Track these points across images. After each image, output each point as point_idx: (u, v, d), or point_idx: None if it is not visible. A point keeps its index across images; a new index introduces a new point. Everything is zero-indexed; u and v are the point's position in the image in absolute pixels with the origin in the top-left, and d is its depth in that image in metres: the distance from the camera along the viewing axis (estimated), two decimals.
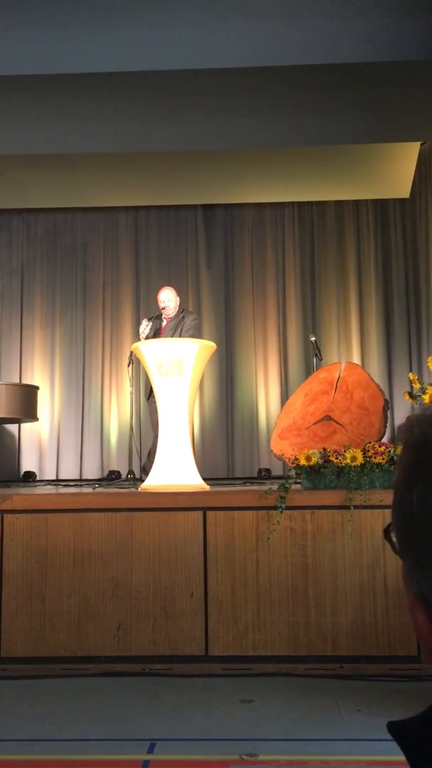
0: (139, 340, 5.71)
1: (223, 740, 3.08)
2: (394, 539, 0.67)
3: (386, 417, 5.09)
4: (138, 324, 6.29)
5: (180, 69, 5.44)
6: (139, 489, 4.86)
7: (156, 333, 5.70)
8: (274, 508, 4.10)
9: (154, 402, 5.23)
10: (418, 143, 7.24)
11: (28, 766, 2.88)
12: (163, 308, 5.70)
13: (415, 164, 7.47)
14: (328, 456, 4.26)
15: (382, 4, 5.23)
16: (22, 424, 7.74)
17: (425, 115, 6.07)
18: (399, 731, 0.65)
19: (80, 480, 7.64)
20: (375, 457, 4.18)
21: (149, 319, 5.81)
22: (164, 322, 5.74)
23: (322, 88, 5.78)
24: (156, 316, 5.85)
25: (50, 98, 5.84)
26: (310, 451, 4.31)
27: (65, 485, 7.05)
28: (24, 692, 3.80)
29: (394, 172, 7.45)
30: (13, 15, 5.38)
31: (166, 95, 5.84)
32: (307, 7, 5.29)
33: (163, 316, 5.76)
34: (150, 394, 5.55)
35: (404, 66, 5.47)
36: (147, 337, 5.58)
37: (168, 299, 5.73)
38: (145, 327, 5.61)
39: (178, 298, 5.84)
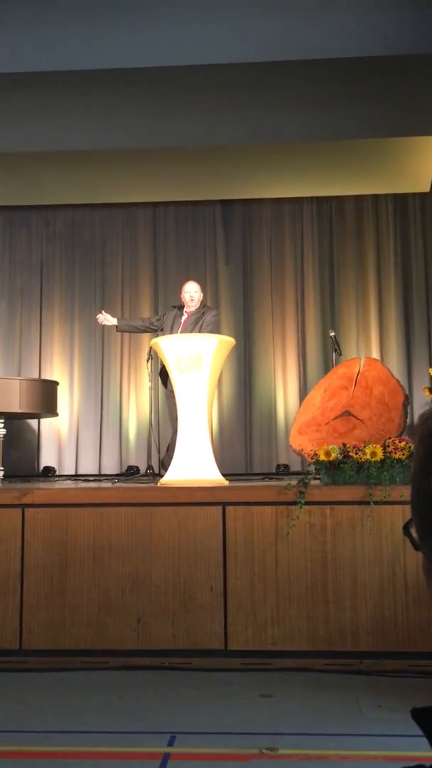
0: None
1: (243, 734, 3.09)
2: (414, 535, 0.67)
3: (406, 412, 5.06)
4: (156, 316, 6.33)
5: (198, 64, 5.44)
6: (158, 484, 4.87)
7: (175, 327, 5.72)
8: (293, 503, 4.10)
9: (173, 397, 5.25)
10: None
11: (49, 758, 2.91)
12: (191, 299, 5.73)
13: None
14: (348, 451, 4.25)
15: None
16: (41, 420, 7.79)
17: None
18: (423, 717, 0.65)
19: (99, 475, 7.68)
20: (395, 453, 4.16)
21: (170, 308, 5.96)
22: (184, 317, 5.75)
23: (341, 82, 5.76)
24: (178, 307, 5.87)
25: (69, 95, 5.87)
26: (330, 447, 4.30)
27: (84, 480, 7.09)
28: (44, 685, 3.83)
29: (414, 166, 7.40)
30: (32, 13, 5.40)
31: (184, 91, 5.84)
32: (327, 0, 5.27)
33: (185, 309, 5.77)
34: (165, 377, 5.60)
35: (423, 59, 5.43)
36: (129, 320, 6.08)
37: (194, 291, 5.77)
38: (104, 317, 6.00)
39: (202, 294, 5.87)
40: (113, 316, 6.07)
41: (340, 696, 3.54)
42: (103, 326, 6.48)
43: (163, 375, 5.73)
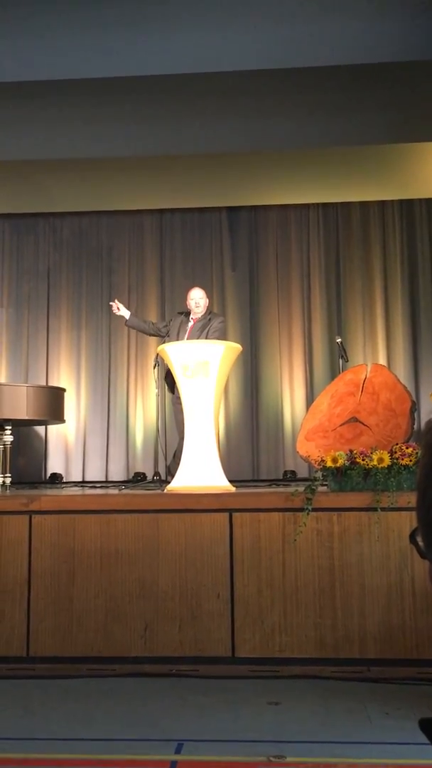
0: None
1: (251, 742, 3.08)
2: (420, 543, 0.67)
3: (413, 418, 5.05)
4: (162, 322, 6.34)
5: (204, 72, 5.47)
6: (165, 490, 4.87)
7: (181, 334, 5.73)
8: (301, 509, 4.09)
9: (180, 403, 5.25)
10: None
11: (56, 765, 2.90)
12: (196, 305, 5.74)
13: None
14: (355, 458, 4.24)
15: (408, 3, 5.21)
16: (48, 426, 7.80)
17: None
18: (430, 727, 0.65)
19: (106, 482, 7.69)
20: (402, 459, 4.15)
21: (176, 314, 5.96)
22: (191, 323, 5.76)
23: (347, 89, 5.77)
24: (184, 314, 5.88)
25: (75, 103, 5.90)
26: (337, 453, 4.30)
27: (91, 487, 7.10)
28: (51, 692, 3.82)
29: (420, 172, 7.41)
30: (38, 23, 5.44)
31: (190, 99, 5.87)
32: (332, 7, 5.29)
33: (191, 316, 5.78)
34: (172, 384, 5.63)
35: (429, 65, 5.44)
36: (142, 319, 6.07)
37: (199, 298, 5.78)
38: (118, 305, 6.01)
39: (207, 300, 5.87)
40: (120, 322, 6.08)
41: (348, 703, 3.53)
42: (112, 315, 6.56)
43: (170, 381, 5.74)
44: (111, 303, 6.12)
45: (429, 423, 0.69)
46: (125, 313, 6.02)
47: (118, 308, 6.01)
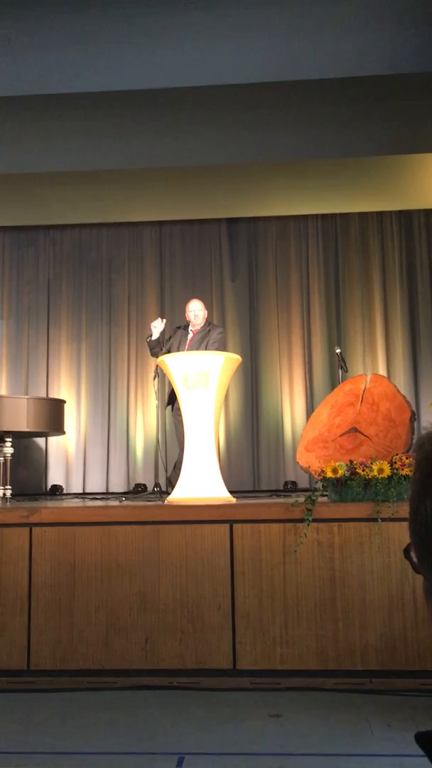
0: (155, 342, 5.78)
1: (252, 754, 3.06)
2: (413, 558, 0.67)
3: (413, 428, 5.05)
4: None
5: (203, 85, 5.51)
6: (166, 502, 4.87)
7: (181, 345, 5.73)
8: (301, 520, 4.08)
9: (180, 414, 5.25)
10: None
11: None
12: (195, 317, 5.73)
13: None
14: (355, 468, 4.24)
15: (405, 17, 5.25)
16: (49, 438, 7.81)
17: None
18: (426, 741, 0.65)
19: (107, 493, 7.68)
20: (402, 469, 4.15)
21: (175, 329, 5.90)
22: (190, 335, 5.76)
23: (346, 101, 5.81)
24: (183, 327, 5.88)
25: (75, 117, 5.94)
26: (337, 464, 4.29)
27: (92, 498, 7.09)
28: (52, 705, 3.81)
29: (418, 183, 7.44)
30: (38, 37, 5.48)
31: (190, 111, 5.91)
32: (330, 21, 5.34)
33: (190, 327, 5.79)
34: (170, 401, 5.61)
35: (427, 77, 5.48)
36: (162, 342, 5.74)
37: (198, 309, 5.76)
38: (159, 324, 5.72)
39: (206, 311, 5.87)
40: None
41: (350, 716, 3.51)
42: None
43: (170, 392, 5.72)
44: (161, 318, 5.85)
45: (420, 440, 0.70)
46: (157, 333, 5.75)
47: (157, 327, 5.74)
